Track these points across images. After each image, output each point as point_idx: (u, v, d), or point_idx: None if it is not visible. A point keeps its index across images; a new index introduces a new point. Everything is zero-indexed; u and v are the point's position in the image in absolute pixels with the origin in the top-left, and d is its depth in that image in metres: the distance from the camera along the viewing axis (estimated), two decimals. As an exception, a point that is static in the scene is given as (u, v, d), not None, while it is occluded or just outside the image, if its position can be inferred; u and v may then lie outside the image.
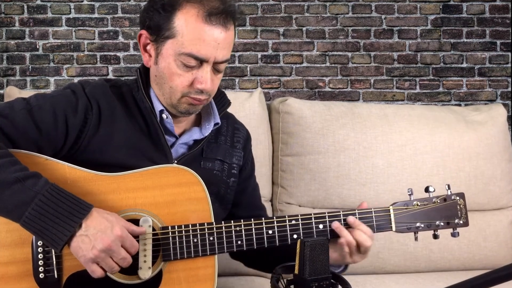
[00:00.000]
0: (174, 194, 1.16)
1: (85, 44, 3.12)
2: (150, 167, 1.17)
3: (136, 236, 1.11)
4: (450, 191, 1.27)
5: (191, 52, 1.16)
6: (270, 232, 1.19)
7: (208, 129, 1.30)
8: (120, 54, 3.13)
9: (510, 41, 3.23)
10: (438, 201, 1.25)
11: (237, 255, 1.43)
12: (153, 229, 1.14)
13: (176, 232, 1.15)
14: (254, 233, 1.18)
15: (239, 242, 1.17)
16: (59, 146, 1.18)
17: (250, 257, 1.39)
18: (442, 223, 1.25)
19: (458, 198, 1.26)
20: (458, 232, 1.26)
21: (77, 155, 1.19)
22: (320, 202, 1.89)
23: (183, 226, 1.15)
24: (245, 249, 1.18)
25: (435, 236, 1.26)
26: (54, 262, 1.10)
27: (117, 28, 3.12)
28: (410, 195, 1.25)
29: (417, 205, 1.25)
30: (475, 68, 3.23)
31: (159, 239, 1.14)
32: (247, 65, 3.16)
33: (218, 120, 1.31)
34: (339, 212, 1.23)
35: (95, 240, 1.03)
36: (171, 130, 1.27)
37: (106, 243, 1.03)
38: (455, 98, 3.23)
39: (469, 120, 1.99)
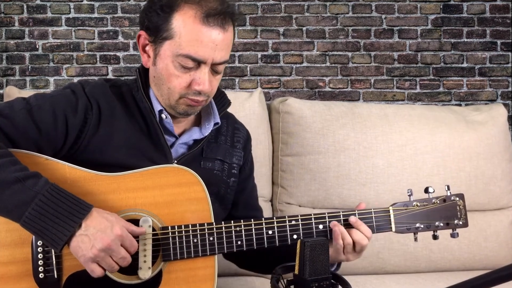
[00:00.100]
0: (174, 194, 1.16)
1: (85, 44, 3.12)
2: (150, 167, 1.17)
3: (136, 236, 1.11)
4: (450, 192, 1.27)
5: (189, 54, 1.16)
6: (270, 232, 1.19)
7: (208, 129, 1.29)
8: (120, 54, 3.13)
9: (510, 41, 3.23)
10: (438, 201, 1.25)
11: (230, 256, 1.43)
12: (153, 229, 1.14)
13: (176, 232, 1.15)
14: (254, 233, 1.18)
15: (239, 242, 1.17)
16: (59, 146, 1.18)
17: (244, 258, 1.39)
18: (441, 224, 1.25)
19: (457, 199, 1.26)
20: (457, 233, 1.26)
21: (77, 155, 1.19)
22: (320, 202, 1.89)
23: (183, 226, 1.15)
24: (245, 249, 1.18)
25: (435, 237, 1.26)
26: (54, 262, 1.10)
27: (117, 28, 3.12)
28: (409, 195, 1.25)
29: (417, 205, 1.25)
30: (476, 68, 3.23)
31: (159, 239, 1.14)
32: (247, 65, 3.15)
33: (218, 120, 1.30)
34: (339, 212, 1.22)
35: (95, 240, 1.03)
36: (170, 130, 1.27)
37: (105, 242, 1.04)
38: (456, 98, 3.23)
39: (470, 120, 1.99)
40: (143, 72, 1.28)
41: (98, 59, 3.12)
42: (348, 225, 1.21)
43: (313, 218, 1.21)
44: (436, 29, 3.21)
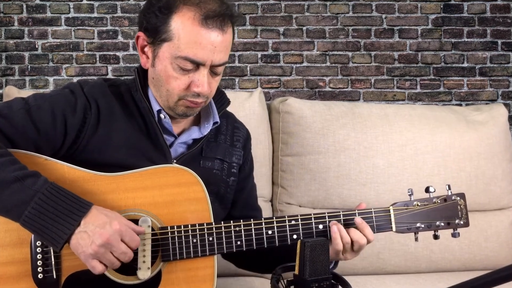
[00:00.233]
0: (173, 194, 1.16)
1: (85, 44, 3.12)
2: (149, 167, 1.17)
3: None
4: (451, 191, 1.26)
5: (187, 56, 1.16)
6: (270, 232, 1.19)
7: (207, 128, 1.29)
8: (120, 54, 3.13)
9: (511, 40, 3.23)
10: (439, 201, 1.25)
11: (229, 256, 1.43)
12: (152, 229, 1.14)
13: (176, 232, 1.14)
14: (253, 234, 1.18)
15: (238, 243, 1.17)
16: (57, 146, 1.17)
17: (243, 258, 1.38)
18: (442, 224, 1.24)
19: (458, 198, 1.26)
20: (458, 233, 1.26)
21: (76, 155, 1.18)
22: (320, 202, 1.88)
23: (182, 226, 1.15)
24: (244, 249, 1.18)
25: (436, 237, 1.26)
26: (53, 262, 1.10)
27: (117, 28, 3.12)
28: (410, 195, 1.25)
29: (418, 205, 1.24)
30: (476, 67, 3.22)
31: (158, 240, 1.14)
32: (247, 64, 3.15)
33: (217, 119, 1.30)
34: (339, 212, 1.22)
35: (94, 236, 1.03)
36: (169, 130, 1.27)
37: (105, 237, 1.03)
38: (456, 98, 3.23)
39: (470, 120, 1.99)
40: (142, 72, 1.28)
41: (97, 59, 3.12)
42: (347, 225, 1.21)
43: (313, 218, 1.21)
44: (436, 29, 3.21)
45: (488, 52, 3.22)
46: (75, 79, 3.05)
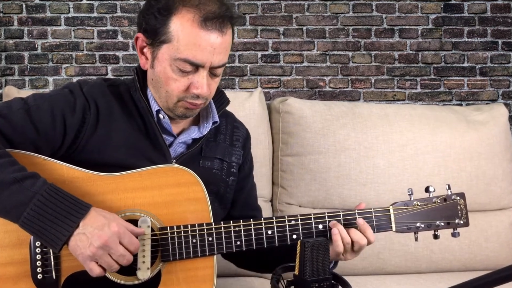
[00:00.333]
0: (173, 194, 1.16)
1: (84, 44, 3.11)
2: (149, 167, 1.16)
3: (135, 236, 1.10)
4: (450, 191, 1.26)
5: (187, 58, 1.15)
6: (270, 232, 1.18)
7: (206, 127, 1.29)
8: (119, 54, 3.12)
9: (511, 40, 3.22)
10: (438, 201, 1.25)
11: (229, 255, 1.42)
12: (152, 230, 1.13)
13: (175, 232, 1.14)
14: (253, 234, 1.18)
15: (238, 243, 1.17)
16: (57, 146, 1.17)
17: (242, 257, 1.38)
18: (442, 223, 1.24)
19: (458, 198, 1.26)
20: (458, 232, 1.25)
21: (75, 155, 1.18)
22: (321, 203, 1.88)
23: (182, 226, 1.15)
24: (244, 249, 1.18)
25: (435, 236, 1.26)
26: (52, 263, 1.10)
27: (116, 28, 3.12)
28: (410, 195, 1.25)
29: (417, 205, 1.24)
30: (477, 67, 3.22)
31: (158, 240, 1.14)
32: (247, 64, 3.15)
33: (217, 119, 1.30)
34: (339, 212, 1.22)
35: (92, 237, 1.03)
36: (169, 130, 1.26)
37: (103, 239, 1.03)
38: (456, 97, 3.22)
39: (471, 120, 1.99)
40: (141, 72, 1.28)
41: (97, 58, 3.12)
42: (347, 225, 1.21)
43: (312, 218, 1.20)
44: (436, 29, 3.20)
45: (489, 52, 3.21)
46: (74, 79, 3.05)
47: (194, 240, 1.14)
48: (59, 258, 1.10)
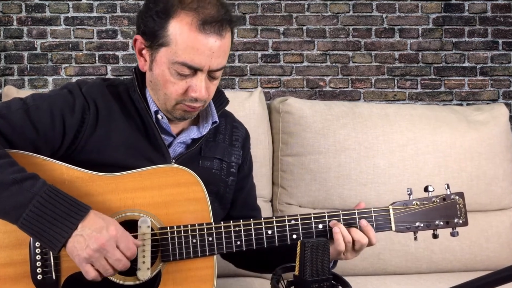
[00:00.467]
0: (172, 194, 1.15)
1: (84, 43, 3.11)
2: (149, 167, 1.16)
3: (135, 238, 1.10)
4: (450, 191, 1.26)
5: (185, 61, 1.15)
6: (270, 232, 1.18)
7: (206, 127, 1.29)
8: (119, 54, 3.12)
9: (512, 40, 3.22)
10: (438, 200, 1.25)
11: (228, 256, 1.42)
12: (152, 230, 1.13)
13: (175, 232, 1.14)
14: (253, 234, 1.17)
15: (238, 243, 1.17)
16: (56, 146, 1.17)
17: (242, 257, 1.38)
18: (441, 223, 1.24)
19: (457, 197, 1.26)
20: (457, 232, 1.25)
21: (75, 155, 1.18)
22: (321, 203, 1.88)
23: (182, 226, 1.14)
24: (244, 249, 1.17)
25: (435, 236, 1.26)
26: (52, 263, 1.09)
27: (116, 27, 3.12)
28: (409, 194, 1.25)
29: (417, 204, 1.24)
30: (477, 67, 3.21)
31: (158, 240, 1.13)
32: (247, 64, 3.14)
33: (216, 119, 1.30)
34: (339, 212, 1.22)
35: (89, 240, 1.03)
36: (167, 130, 1.26)
37: (100, 242, 1.03)
38: (457, 97, 3.22)
39: (471, 120, 1.98)
40: (140, 72, 1.27)
41: (97, 58, 3.11)
42: (347, 224, 1.20)
43: (312, 218, 1.20)
44: (437, 29, 3.20)
45: (489, 52, 3.21)
46: (74, 79, 3.05)
47: (194, 240, 1.14)
48: (59, 258, 1.10)
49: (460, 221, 1.25)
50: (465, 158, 1.92)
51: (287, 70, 3.16)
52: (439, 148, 1.91)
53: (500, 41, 3.21)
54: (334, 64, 3.17)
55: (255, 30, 3.15)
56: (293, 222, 1.19)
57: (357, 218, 1.21)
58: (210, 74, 1.19)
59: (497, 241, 1.92)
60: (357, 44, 3.18)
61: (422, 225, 1.24)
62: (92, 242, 1.02)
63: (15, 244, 1.10)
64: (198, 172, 1.17)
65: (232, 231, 1.17)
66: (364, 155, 1.88)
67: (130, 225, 1.12)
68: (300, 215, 1.20)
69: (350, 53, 3.18)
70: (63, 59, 3.11)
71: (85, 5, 3.10)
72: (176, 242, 1.14)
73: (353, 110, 1.94)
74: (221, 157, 1.33)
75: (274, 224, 1.19)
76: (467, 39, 3.20)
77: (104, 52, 3.11)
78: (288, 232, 1.19)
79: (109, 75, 3.11)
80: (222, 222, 1.17)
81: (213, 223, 1.16)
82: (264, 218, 1.19)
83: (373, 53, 3.18)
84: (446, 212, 1.25)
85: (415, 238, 1.25)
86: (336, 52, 3.17)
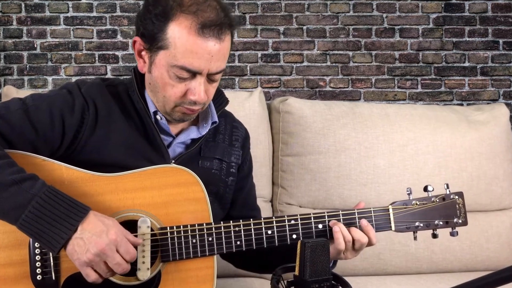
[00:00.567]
0: (172, 194, 1.15)
1: (83, 43, 3.11)
2: (148, 167, 1.16)
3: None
4: (449, 190, 1.26)
5: (184, 65, 1.14)
6: (269, 232, 1.18)
7: (205, 128, 1.28)
8: (119, 53, 3.12)
9: (512, 40, 3.22)
10: (437, 200, 1.24)
11: (228, 256, 1.42)
12: (152, 230, 1.13)
13: (175, 232, 1.14)
14: (253, 233, 1.17)
15: (238, 243, 1.16)
16: (55, 146, 1.17)
17: (242, 257, 1.38)
18: (441, 222, 1.24)
19: (457, 197, 1.26)
20: (457, 231, 1.25)
21: (74, 156, 1.18)
22: (321, 203, 1.88)
23: (181, 226, 1.14)
24: (244, 249, 1.17)
25: (434, 236, 1.26)
26: (52, 263, 1.09)
27: (116, 27, 3.11)
28: (409, 194, 1.25)
29: (416, 204, 1.24)
30: (478, 67, 3.21)
31: (158, 240, 1.13)
32: (247, 64, 3.14)
33: (216, 119, 1.30)
34: (338, 211, 1.21)
35: (90, 244, 1.02)
36: (167, 131, 1.26)
37: (100, 246, 1.02)
38: (457, 97, 3.22)
39: (471, 120, 1.98)
40: (139, 72, 1.27)
41: (96, 58, 3.11)
42: (346, 224, 1.20)
43: (312, 218, 1.20)
44: (437, 28, 3.20)
45: (490, 52, 3.21)
46: (74, 79, 3.04)
47: (194, 240, 1.14)
48: (58, 259, 1.10)
49: (460, 221, 1.25)
50: (466, 158, 1.92)
51: (287, 70, 3.16)
52: (440, 148, 1.91)
53: (501, 41, 3.20)
54: (334, 64, 3.17)
55: (255, 30, 3.15)
56: (293, 222, 1.19)
57: (356, 218, 1.21)
58: (209, 77, 1.19)
59: (498, 241, 1.92)
60: (357, 44, 3.18)
61: (421, 224, 1.23)
62: (92, 246, 1.02)
63: (14, 245, 1.09)
64: (197, 172, 1.17)
65: (232, 231, 1.16)
66: (364, 155, 1.87)
67: (130, 225, 1.12)
68: (300, 215, 1.20)
69: (350, 53, 3.18)
70: (63, 59, 3.11)
71: (84, 5, 3.10)
72: (176, 242, 1.13)
73: (353, 110, 1.94)
74: (220, 157, 1.33)
75: (274, 224, 1.18)
76: (467, 39, 3.20)
77: (103, 52, 3.11)
78: (288, 232, 1.19)
79: (109, 75, 3.11)
80: (222, 222, 1.17)
81: (213, 223, 1.16)
82: (264, 218, 1.19)
83: (373, 53, 3.18)
84: (446, 211, 1.25)
85: (415, 238, 1.25)
86: (336, 52, 3.17)
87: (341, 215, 1.21)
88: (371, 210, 1.23)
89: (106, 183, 1.13)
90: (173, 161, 1.24)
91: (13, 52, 3.09)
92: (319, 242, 1.06)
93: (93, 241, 1.02)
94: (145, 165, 1.16)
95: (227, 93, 1.39)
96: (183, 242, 1.14)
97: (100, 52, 3.11)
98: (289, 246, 1.18)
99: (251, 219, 1.18)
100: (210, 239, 1.15)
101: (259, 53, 3.15)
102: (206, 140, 1.31)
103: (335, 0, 3.16)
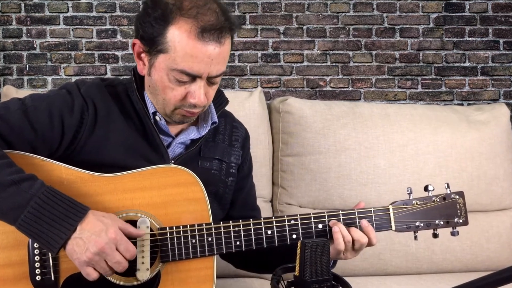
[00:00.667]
0: (172, 194, 1.15)
1: (83, 43, 3.11)
2: (148, 167, 1.16)
3: (134, 238, 1.09)
4: (450, 190, 1.26)
5: (183, 69, 1.14)
6: (269, 232, 1.18)
7: (205, 128, 1.28)
8: (119, 53, 3.12)
9: (513, 39, 3.21)
10: (438, 200, 1.24)
11: (227, 256, 1.42)
12: (151, 230, 1.13)
13: (174, 233, 1.14)
14: (253, 234, 1.17)
15: (237, 243, 1.16)
16: (54, 146, 1.17)
17: (241, 257, 1.37)
18: (441, 222, 1.24)
19: (457, 196, 1.26)
20: (457, 231, 1.25)
21: (74, 156, 1.18)
22: (321, 203, 1.87)
23: (181, 226, 1.14)
24: (244, 249, 1.17)
25: (435, 235, 1.25)
26: (51, 264, 1.09)
27: (115, 27, 3.11)
28: (409, 194, 1.24)
29: (417, 204, 1.24)
30: (478, 67, 3.21)
31: (157, 240, 1.13)
32: (247, 64, 3.14)
33: (216, 119, 1.29)
34: (338, 211, 1.21)
35: (89, 243, 1.02)
36: (166, 131, 1.26)
37: (99, 245, 1.02)
38: (458, 97, 3.21)
39: (472, 120, 1.98)
40: (138, 72, 1.27)
41: (96, 58, 3.11)
42: (346, 224, 1.20)
43: (312, 218, 1.20)
44: (438, 28, 3.19)
45: (490, 52, 3.20)
46: (73, 79, 3.03)
47: (194, 241, 1.14)
48: (57, 259, 1.10)
49: (460, 221, 1.25)
50: (466, 158, 1.91)
51: (287, 70, 3.16)
52: (440, 148, 1.91)
53: (501, 40, 3.20)
54: (334, 64, 3.17)
55: (255, 29, 3.14)
56: (292, 222, 1.19)
57: (357, 218, 1.21)
58: (209, 80, 1.19)
59: (498, 242, 1.91)
60: (357, 44, 3.17)
61: (422, 224, 1.23)
62: (92, 245, 1.02)
63: (13, 245, 1.09)
64: (197, 173, 1.17)
65: (232, 231, 1.16)
66: (364, 155, 1.87)
67: (129, 226, 1.12)
68: (300, 215, 1.20)
69: (351, 53, 3.17)
70: (63, 59, 3.11)
71: (84, 4, 3.10)
72: (176, 243, 1.13)
73: (353, 110, 1.94)
74: (220, 157, 1.32)
75: (274, 224, 1.18)
76: (468, 39, 3.20)
77: (103, 52, 3.11)
78: (287, 232, 1.18)
79: (109, 75, 3.10)
80: (221, 222, 1.17)
81: (212, 224, 1.16)
82: (264, 218, 1.19)
83: (374, 52, 3.18)
84: (446, 211, 1.24)
85: (415, 238, 1.24)
86: (336, 51, 3.17)
87: (341, 215, 1.21)
88: (371, 210, 1.22)
89: (105, 183, 1.13)
90: (172, 161, 1.24)
91: (13, 52, 3.09)
92: (319, 242, 1.06)
93: (92, 240, 1.02)
94: (145, 166, 1.16)
95: (227, 93, 1.38)
96: (182, 242, 1.13)
97: (100, 52, 3.11)
98: (289, 246, 1.18)
99: (251, 219, 1.18)
100: (209, 239, 1.15)
101: (259, 53, 3.15)
102: (205, 140, 1.31)
103: (335, 0, 3.16)
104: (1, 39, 3.08)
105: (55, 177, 1.11)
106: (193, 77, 1.16)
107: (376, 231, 1.21)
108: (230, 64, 3.11)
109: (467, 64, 3.20)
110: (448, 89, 3.21)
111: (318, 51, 3.16)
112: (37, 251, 1.09)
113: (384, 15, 3.18)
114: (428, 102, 3.20)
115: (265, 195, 1.88)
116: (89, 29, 3.11)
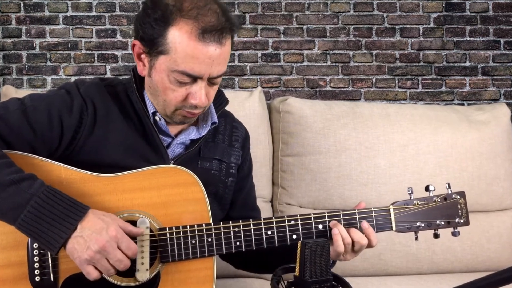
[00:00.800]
0: (171, 194, 1.15)
1: (83, 43, 3.11)
2: (147, 168, 1.16)
3: (134, 238, 1.09)
4: (451, 190, 1.25)
5: (184, 70, 1.14)
6: (269, 232, 1.18)
7: (205, 128, 1.28)
8: (118, 53, 3.12)
9: (513, 39, 3.21)
10: (439, 200, 1.24)
11: (227, 256, 1.41)
12: (151, 231, 1.12)
13: (174, 233, 1.13)
14: (253, 234, 1.17)
15: (237, 243, 1.16)
16: (54, 146, 1.16)
17: (241, 257, 1.37)
18: (442, 222, 1.24)
19: (458, 197, 1.25)
20: (458, 232, 1.25)
21: (73, 156, 1.17)
22: (321, 203, 1.87)
23: (180, 227, 1.14)
24: (243, 250, 1.17)
25: (436, 236, 1.25)
26: (50, 264, 1.09)
27: (115, 27, 3.11)
28: (410, 194, 1.24)
29: (418, 204, 1.23)
30: (478, 67, 3.21)
31: (157, 241, 1.13)
32: (247, 64, 3.14)
33: (216, 119, 1.29)
34: (339, 212, 1.21)
35: (90, 241, 1.02)
36: (165, 131, 1.26)
37: (100, 243, 1.02)
38: (458, 97, 3.21)
39: (472, 120, 1.98)
40: (138, 73, 1.26)
41: (96, 58, 3.11)
42: (347, 224, 1.20)
43: (312, 218, 1.19)
44: (438, 28, 3.19)
45: (491, 51, 3.20)
46: (73, 79, 3.03)
47: (193, 241, 1.14)
48: (57, 260, 1.10)
49: (462, 221, 1.25)
50: (466, 158, 1.91)
51: (287, 70, 3.16)
52: (440, 148, 1.90)
53: (502, 40, 3.20)
54: (334, 64, 3.17)
55: (255, 29, 3.14)
56: (293, 222, 1.18)
57: (357, 218, 1.21)
58: (210, 81, 1.18)
59: (499, 242, 1.91)
60: (357, 44, 3.17)
61: (423, 225, 1.23)
62: (93, 243, 1.02)
63: (13, 246, 1.09)
64: (197, 173, 1.16)
65: (232, 232, 1.16)
66: (364, 155, 1.87)
67: (129, 226, 1.11)
68: (300, 215, 1.19)
69: (351, 53, 3.17)
70: (62, 59, 3.10)
71: (84, 4, 3.10)
72: (175, 243, 1.13)
73: (353, 110, 1.94)
74: (220, 157, 1.32)
75: (274, 224, 1.18)
76: (468, 39, 3.19)
77: (103, 52, 3.11)
78: (288, 233, 1.18)
79: (108, 75, 3.10)
80: (221, 223, 1.16)
81: (212, 224, 1.15)
82: (264, 219, 1.19)
83: (374, 52, 3.18)
84: (447, 211, 1.24)
85: (416, 238, 1.24)
86: (336, 51, 3.17)
87: (341, 215, 1.20)
88: (371, 210, 1.22)
89: (104, 183, 1.13)
90: (172, 161, 1.24)
91: (12, 51, 3.09)
92: (319, 242, 1.06)
93: (93, 238, 1.02)
94: (144, 166, 1.16)
95: (227, 93, 1.38)
96: (182, 243, 1.13)
97: (100, 52, 3.11)
98: (289, 246, 1.17)
99: (251, 220, 1.17)
100: (209, 239, 1.14)
101: (259, 53, 3.14)
102: (205, 140, 1.30)
103: (336, 0, 3.16)
104: (1, 39, 3.08)
105: (54, 177, 1.11)
106: (194, 78, 1.15)
107: (376, 232, 1.21)
108: (230, 64, 3.11)
109: (467, 64, 3.20)
110: (449, 89, 3.21)
111: (318, 51, 3.16)
112: (36, 252, 1.09)
113: (385, 14, 3.18)
114: (428, 102, 3.20)
115: (265, 195, 1.88)
116: (88, 28, 3.11)
